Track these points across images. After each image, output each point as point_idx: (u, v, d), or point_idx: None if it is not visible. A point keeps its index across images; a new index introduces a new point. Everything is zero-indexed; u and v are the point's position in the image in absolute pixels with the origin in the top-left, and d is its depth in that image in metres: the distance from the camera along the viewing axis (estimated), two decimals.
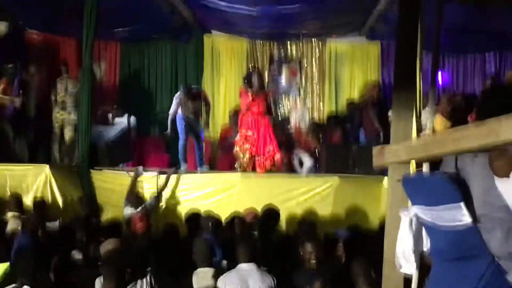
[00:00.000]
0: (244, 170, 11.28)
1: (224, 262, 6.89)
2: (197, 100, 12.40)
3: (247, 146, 11.49)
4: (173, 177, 10.64)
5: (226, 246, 7.02)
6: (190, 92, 12.26)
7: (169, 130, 12.54)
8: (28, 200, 9.67)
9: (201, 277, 6.30)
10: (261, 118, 11.67)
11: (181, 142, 12.17)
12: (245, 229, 7.89)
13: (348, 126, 13.91)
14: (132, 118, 13.72)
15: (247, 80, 11.89)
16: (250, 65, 15.07)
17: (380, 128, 12.80)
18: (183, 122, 12.09)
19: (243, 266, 6.11)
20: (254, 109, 11.57)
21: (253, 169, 11.47)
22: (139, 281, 5.88)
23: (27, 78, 12.90)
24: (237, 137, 11.72)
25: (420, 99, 4.42)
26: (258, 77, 11.88)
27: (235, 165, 11.72)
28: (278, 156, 11.75)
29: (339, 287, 5.84)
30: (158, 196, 10.10)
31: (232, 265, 6.44)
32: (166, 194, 10.40)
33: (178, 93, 12.34)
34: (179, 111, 12.23)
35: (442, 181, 3.31)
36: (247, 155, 11.48)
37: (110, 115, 13.82)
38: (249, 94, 11.54)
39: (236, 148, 11.65)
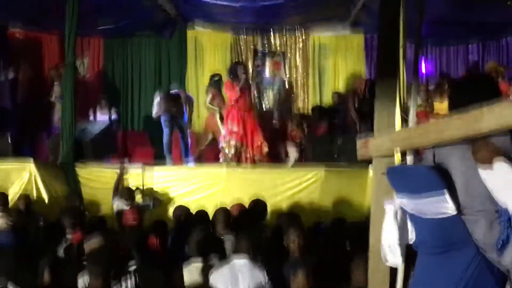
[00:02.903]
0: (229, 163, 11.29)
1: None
2: (178, 101, 12.32)
3: (232, 141, 11.47)
4: (159, 172, 10.61)
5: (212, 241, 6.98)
6: (169, 97, 12.17)
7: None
8: (12, 197, 9.61)
9: (192, 271, 6.31)
10: (247, 112, 11.68)
11: (165, 136, 12.14)
12: (230, 222, 7.86)
13: (333, 117, 13.92)
14: (114, 113, 13.63)
15: (233, 73, 11.85)
16: (237, 59, 15.00)
17: (357, 121, 12.90)
18: (166, 116, 12.06)
19: (236, 260, 6.08)
20: (240, 103, 11.56)
21: (239, 162, 11.48)
22: (123, 278, 5.85)
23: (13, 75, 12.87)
24: (223, 132, 11.70)
25: (403, 90, 4.41)
26: (243, 71, 11.87)
27: (220, 160, 11.71)
28: (266, 150, 11.77)
29: (322, 277, 5.84)
30: (155, 199, 10.01)
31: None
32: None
33: (158, 97, 12.25)
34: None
35: (425, 171, 3.33)
36: (232, 150, 11.47)
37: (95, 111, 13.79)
38: (236, 88, 11.52)
39: (222, 143, 11.64)
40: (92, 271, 5.62)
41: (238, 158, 11.55)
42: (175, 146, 12.45)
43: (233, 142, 11.48)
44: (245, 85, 11.77)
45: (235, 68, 12.01)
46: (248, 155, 11.61)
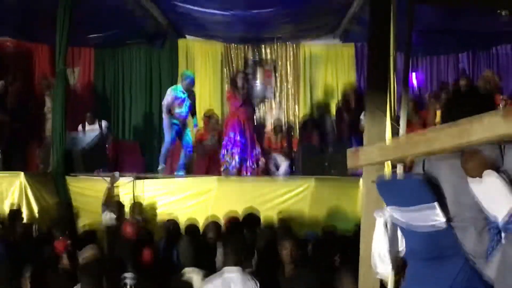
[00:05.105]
0: (231, 174, 11.29)
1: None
2: (192, 97, 12.35)
3: (235, 150, 11.42)
4: (150, 182, 10.59)
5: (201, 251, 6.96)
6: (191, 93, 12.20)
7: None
8: (3, 208, 9.58)
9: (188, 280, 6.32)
10: (248, 122, 11.65)
11: (166, 146, 12.10)
12: (220, 234, 7.85)
13: (323, 127, 13.93)
14: (104, 123, 13.55)
15: (234, 82, 11.82)
16: (238, 69, 14.96)
17: (348, 132, 12.93)
18: (176, 127, 12.00)
19: (228, 270, 6.07)
20: (241, 112, 11.52)
21: (239, 173, 11.47)
22: None
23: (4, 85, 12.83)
24: (225, 141, 11.65)
25: (394, 101, 4.43)
26: (244, 79, 11.86)
27: (222, 170, 11.64)
28: (263, 161, 11.76)
29: None
30: (144, 218, 9.92)
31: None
32: (142, 199, 10.33)
33: (180, 87, 12.20)
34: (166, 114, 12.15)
35: (415, 182, 3.34)
36: (237, 159, 11.42)
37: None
38: (239, 98, 11.48)
39: (224, 152, 11.57)
40: (85, 282, 5.61)
41: (239, 169, 11.52)
42: (172, 155, 12.42)
43: (235, 151, 11.43)
44: (245, 94, 11.72)
45: (236, 77, 12.00)
46: (248, 166, 11.58)
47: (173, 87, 12.43)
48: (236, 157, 11.45)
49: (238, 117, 11.56)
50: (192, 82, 12.53)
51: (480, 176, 2.93)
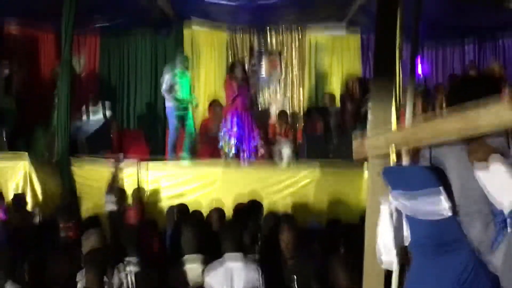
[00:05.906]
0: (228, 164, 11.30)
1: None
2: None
3: (232, 141, 11.45)
4: (154, 167, 10.58)
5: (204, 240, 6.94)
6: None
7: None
8: (7, 194, 9.58)
9: (190, 267, 6.31)
10: (245, 112, 11.66)
11: (171, 133, 12.13)
12: (224, 222, 7.84)
13: (327, 117, 13.91)
14: (107, 105, 13.50)
15: (231, 72, 11.85)
16: (235, 59, 14.94)
17: (352, 122, 12.91)
18: (177, 117, 12.04)
19: (228, 257, 6.05)
20: (238, 102, 11.53)
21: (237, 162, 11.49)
22: (116, 275, 5.85)
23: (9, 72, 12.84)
24: (222, 132, 11.67)
25: (400, 90, 4.41)
26: (241, 70, 11.84)
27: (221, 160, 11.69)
28: (262, 151, 11.76)
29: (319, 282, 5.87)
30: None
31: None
32: (146, 185, 10.34)
33: (176, 69, 12.29)
34: (171, 103, 12.24)
35: (421, 169, 3.33)
36: (233, 151, 11.45)
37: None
38: (235, 88, 11.49)
39: (222, 143, 11.61)
40: (88, 267, 5.62)
41: (237, 159, 11.54)
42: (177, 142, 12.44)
43: (233, 142, 11.46)
44: (243, 83, 11.72)
45: (233, 67, 12.00)
46: (245, 156, 11.60)
47: (169, 71, 12.47)
48: (233, 148, 11.46)
49: (236, 107, 11.57)
50: (187, 61, 12.84)
51: (487, 166, 2.92)
